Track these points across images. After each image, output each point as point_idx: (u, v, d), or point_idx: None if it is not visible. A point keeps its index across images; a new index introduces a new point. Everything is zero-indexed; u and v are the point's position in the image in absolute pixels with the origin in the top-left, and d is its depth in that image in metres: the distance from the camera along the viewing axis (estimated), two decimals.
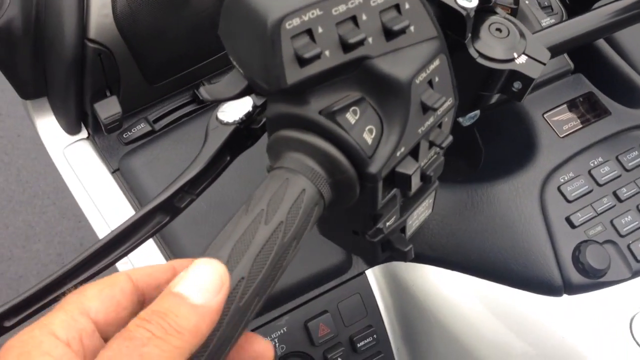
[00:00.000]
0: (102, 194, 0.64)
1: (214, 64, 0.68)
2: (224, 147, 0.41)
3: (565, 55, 0.65)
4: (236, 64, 0.36)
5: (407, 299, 0.65)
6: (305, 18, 0.32)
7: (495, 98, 0.46)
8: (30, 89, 0.62)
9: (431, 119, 0.37)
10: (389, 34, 0.34)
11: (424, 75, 0.35)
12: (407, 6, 0.35)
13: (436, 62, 0.36)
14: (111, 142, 0.66)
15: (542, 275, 0.57)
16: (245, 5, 0.32)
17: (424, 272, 0.63)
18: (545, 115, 0.61)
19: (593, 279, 0.57)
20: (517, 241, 0.58)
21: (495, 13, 0.44)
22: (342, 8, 0.33)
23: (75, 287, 0.37)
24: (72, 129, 0.65)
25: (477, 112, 0.56)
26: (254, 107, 0.41)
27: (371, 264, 0.61)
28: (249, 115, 0.41)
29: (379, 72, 0.35)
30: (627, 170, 0.60)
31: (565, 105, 0.62)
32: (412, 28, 0.35)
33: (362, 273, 0.66)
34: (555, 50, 0.51)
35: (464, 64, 0.44)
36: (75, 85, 0.60)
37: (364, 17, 0.33)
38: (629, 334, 0.55)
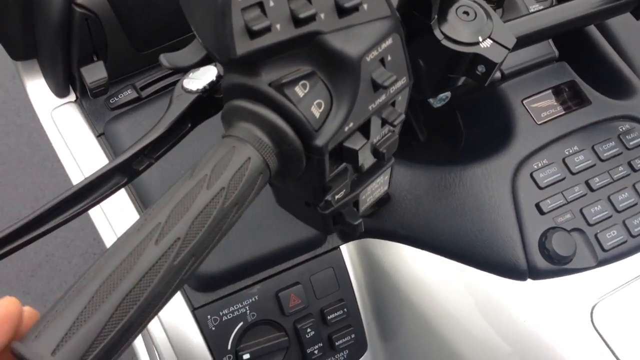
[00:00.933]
0: (87, 156, 0.65)
1: None
2: (185, 114, 0.42)
3: (550, 42, 0.65)
4: (195, 33, 0.37)
5: (379, 275, 0.67)
6: None
7: (461, 81, 0.47)
8: (20, 50, 0.64)
9: (383, 97, 0.38)
10: (342, 10, 0.35)
11: (375, 53, 0.36)
12: None
13: (389, 41, 0.37)
14: (98, 107, 0.67)
15: (508, 259, 0.58)
16: None
17: (396, 250, 0.64)
18: (524, 102, 0.62)
19: (558, 265, 0.57)
20: (486, 224, 0.59)
21: None
22: None
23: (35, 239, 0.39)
24: (60, 92, 0.67)
25: (448, 94, 0.56)
26: (218, 76, 0.42)
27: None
28: (212, 85, 0.42)
29: (330, 48, 0.35)
30: (601, 160, 0.60)
31: (545, 93, 0.63)
32: (365, 6, 0.36)
33: (337, 248, 0.67)
34: (530, 39, 0.51)
35: (430, 45, 0.44)
36: (62, 49, 0.61)
37: None
38: (590, 322, 0.56)
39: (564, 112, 0.62)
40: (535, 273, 0.58)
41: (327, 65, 0.36)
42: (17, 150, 2.01)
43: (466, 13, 0.44)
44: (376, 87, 0.37)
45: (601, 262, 0.58)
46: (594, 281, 0.58)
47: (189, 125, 0.43)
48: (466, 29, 0.43)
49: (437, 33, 0.43)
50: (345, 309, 0.67)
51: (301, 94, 0.35)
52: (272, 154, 0.36)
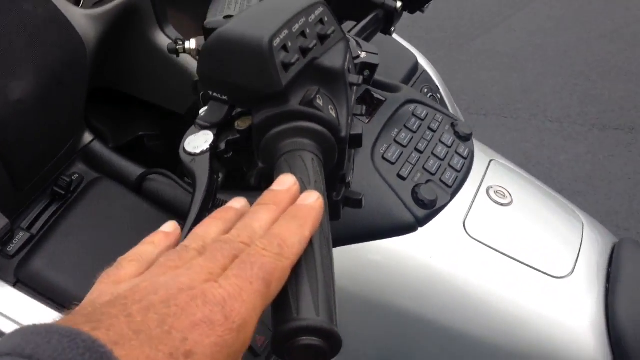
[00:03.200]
0: (13, 307, 0.62)
1: (64, 158, 0.72)
2: (211, 170, 0.49)
3: None
4: (218, 93, 0.47)
5: None
6: (282, 37, 0.45)
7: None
8: None
9: (353, 94, 0.52)
10: (323, 38, 0.49)
11: (346, 64, 0.51)
12: (326, 19, 0.50)
13: (348, 55, 0.51)
14: None
15: (401, 220, 0.75)
16: (236, 37, 0.44)
17: None
18: None
19: (431, 209, 0.77)
20: (374, 204, 0.75)
21: None
22: (296, 26, 0.46)
23: None
24: None
25: None
26: (215, 134, 0.51)
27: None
28: (214, 142, 0.50)
29: (324, 67, 0.49)
30: (414, 132, 0.82)
31: (358, 100, 0.83)
32: (332, 34, 0.50)
33: None
34: None
35: None
36: None
37: (308, 31, 0.47)
38: (464, 232, 0.77)
39: (375, 110, 0.83)
40: (421, 221, 0.76)
41: (325, 79, 0.49)
42: None
43: None
44: (351, 86, 0.51)
45: (452, 194, 0.79)
46: (455, 208, 0.79)
47: (216, 176, 0.50)
48: None
49: None
50: None
51: (322, 104, 0.48)
52: (320, 153, 0.47)
